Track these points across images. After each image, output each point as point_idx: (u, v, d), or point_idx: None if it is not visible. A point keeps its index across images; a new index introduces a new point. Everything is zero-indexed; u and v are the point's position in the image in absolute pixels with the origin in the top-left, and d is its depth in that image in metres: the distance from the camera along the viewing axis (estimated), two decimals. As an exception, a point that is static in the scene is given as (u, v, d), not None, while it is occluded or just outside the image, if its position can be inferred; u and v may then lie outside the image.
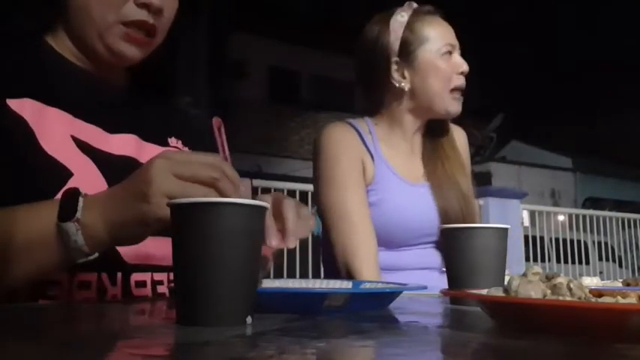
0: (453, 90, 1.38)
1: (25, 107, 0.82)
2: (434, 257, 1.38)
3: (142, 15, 0.88)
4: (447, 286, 0.83)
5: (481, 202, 3.41)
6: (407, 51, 1.39)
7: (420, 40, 1.38)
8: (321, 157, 1.38)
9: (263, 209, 0.56)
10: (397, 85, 1.40)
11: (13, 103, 0.81)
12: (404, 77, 1.40)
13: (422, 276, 1.33)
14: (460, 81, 1.40)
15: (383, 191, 1.36)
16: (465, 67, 1.40)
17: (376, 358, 0.44)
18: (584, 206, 14.75)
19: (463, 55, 1.42)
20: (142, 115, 0.98)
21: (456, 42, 1.41)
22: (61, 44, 0.92)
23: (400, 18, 1.40)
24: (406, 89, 1.40)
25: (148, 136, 0.96)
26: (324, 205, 1.35)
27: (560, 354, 0.45)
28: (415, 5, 1.44)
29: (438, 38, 1.39)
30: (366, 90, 1.47)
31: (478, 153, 18.39)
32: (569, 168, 17.65)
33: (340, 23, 10.41)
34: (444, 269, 0.91)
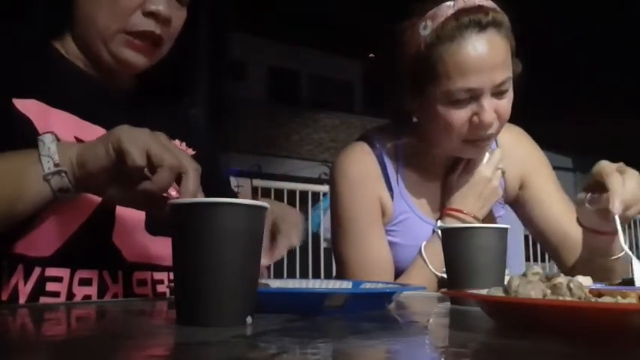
0: (465, 141, 1.11)
1: (30, 108, 0.83)
2: None
3: (149, 25, 0.89)
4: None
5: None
6: (415, 80, 1.10)
7: (430, 75, 1.06)
8: (336, 195, 1.23)
9: (263, 209, 0.56)
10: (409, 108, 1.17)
11: (19, 103, 0.82)
12: (414, 104, 1.15)
13: None
14: (475, 135, 1.09)
15: (402, 235, 1.22)
16: (484, 116, 1.05)
17: (376, 358, 0.44)
18: (584, 206, 14.69)
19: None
20: (147, 117, 0.99)
21: (487, 83, 1.04)
22: (69, 49, 0.93)
23: (422, 31, 1.06)
24: (414, 119, 1.18)
25: None
26: (341, 255, 1.22)
27: (560, 354, 0.45)
28: (455, 6, 1.05)
29: (454, 79, 1.04)
30: (393, 92, 1.18)
31: (478, 153, 18.36)
32: (569, 168, 17.63)
33: (340, 23, 10.40)
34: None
